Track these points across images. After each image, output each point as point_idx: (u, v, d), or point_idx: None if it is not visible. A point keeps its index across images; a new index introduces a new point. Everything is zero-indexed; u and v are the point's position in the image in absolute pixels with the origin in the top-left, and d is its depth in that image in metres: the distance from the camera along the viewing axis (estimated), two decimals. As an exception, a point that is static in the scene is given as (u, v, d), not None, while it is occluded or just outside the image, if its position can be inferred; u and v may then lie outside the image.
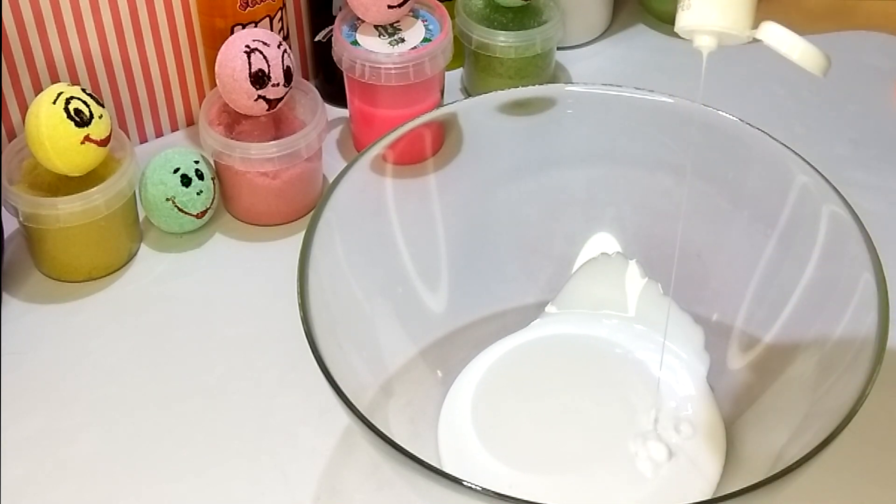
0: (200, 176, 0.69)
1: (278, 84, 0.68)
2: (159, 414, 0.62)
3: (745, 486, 0.45)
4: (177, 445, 0.60)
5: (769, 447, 0.53)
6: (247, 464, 0.59)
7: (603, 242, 0.65)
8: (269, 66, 0.67)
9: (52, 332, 0.66)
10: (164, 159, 0.70)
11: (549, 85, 0.76)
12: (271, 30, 0.73)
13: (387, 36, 0.73)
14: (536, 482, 0.56)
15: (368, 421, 0.47)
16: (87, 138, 0.64)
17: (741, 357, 0.60)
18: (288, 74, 0.68)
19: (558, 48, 0.83)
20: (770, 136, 0.59)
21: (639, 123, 0.63)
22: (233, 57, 0.67)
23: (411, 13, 0.75)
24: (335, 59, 0.74)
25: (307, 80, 0.79)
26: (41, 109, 0.64)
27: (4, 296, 0.68)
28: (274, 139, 0.69)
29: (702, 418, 0.58)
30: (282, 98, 0.69)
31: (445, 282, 0.63)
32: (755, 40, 0.47)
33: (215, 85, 0.70)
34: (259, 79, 0.67)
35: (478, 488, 0.44)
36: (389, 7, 0.72)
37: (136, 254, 0.71)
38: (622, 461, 0.56)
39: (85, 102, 0.64)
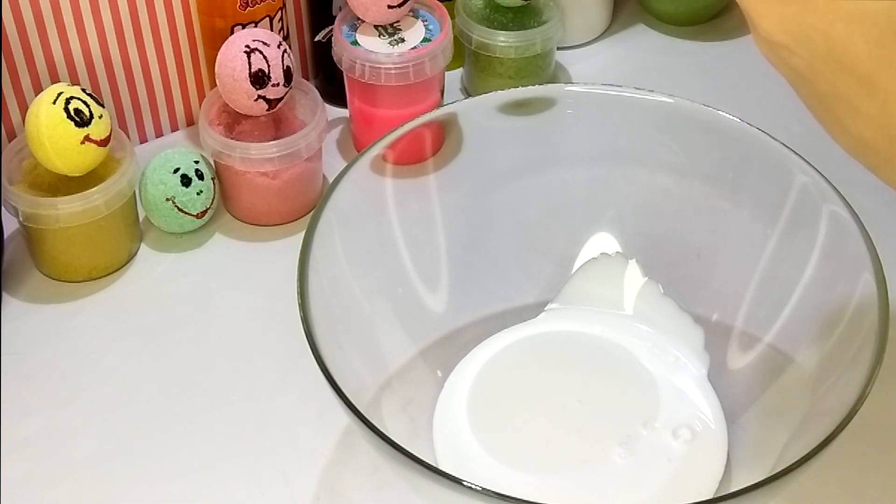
0: (200, 176, 0.69)
1: (278, 84, 0.68)
2: (159, 414, 0.62)
3: (745, 486, 0.45)
4: (177, 445, 0.60)
5: (769, 447, 0.53)
6: (247, 464, 0.59)
7: (603, 242, 0.65)
8: (269, 66, 0.67)
9: (52, 332, 0.66)
10: (164, 159, 0.70)
11: (549, 85, 0.75)
12: (271, 30, 0.73)
13: (387, 36, 0.73)
14: (534, 482, 0.56)
15: (368, 421, 0.47)
16: (87, 138, 0.64)
17: (741, 357, 0.60)
18: (288, 74, 0.68)
19: (558, 48, 0.83)
20: (770, 136, 0.59)
21: (639, 123, 0.63)
22: (233, 57, 0.67)
23: (411, 13, 0.75)
24: (335, 59, 0.74)
25: (307, 80, 0.79)
26: (41, 109, 0.64)
27: (4, 296, 0.68)
28: (274, 139, 0.69)
29: (702, 418, 0.58)
30: (282, 98, 0.69)
31: (445, 282, 0.63)
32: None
33: (215, 85, 0.70)
34: (259, 79, 0.67)
35: (478, 488, 0.44)
36: (389, 7, 0.72)
37: (136, 254, 0.71)
38: (620, 461, 0.56)
39: (85, 102, 0.64)
